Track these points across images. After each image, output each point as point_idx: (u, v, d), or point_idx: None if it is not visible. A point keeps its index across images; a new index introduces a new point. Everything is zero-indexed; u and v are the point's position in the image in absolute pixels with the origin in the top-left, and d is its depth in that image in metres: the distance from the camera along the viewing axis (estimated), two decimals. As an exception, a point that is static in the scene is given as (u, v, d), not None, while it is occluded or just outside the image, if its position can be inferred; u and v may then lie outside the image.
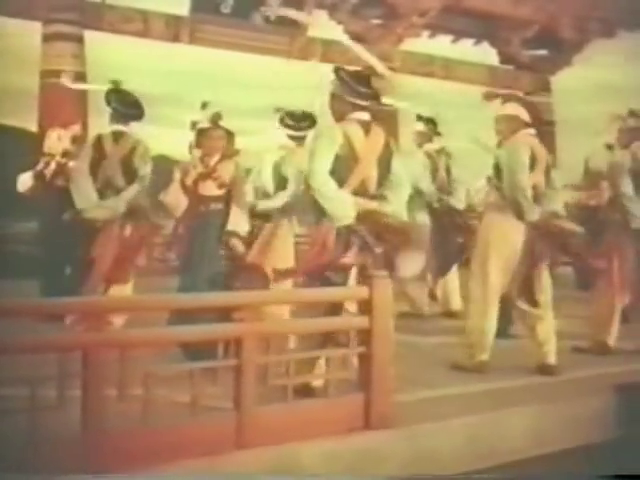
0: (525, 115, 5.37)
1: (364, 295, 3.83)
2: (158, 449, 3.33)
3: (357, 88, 4.37)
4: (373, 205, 4.29)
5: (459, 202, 7.48)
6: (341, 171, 4.28)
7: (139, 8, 10.17)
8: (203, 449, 3.45)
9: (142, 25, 10.13)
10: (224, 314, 3.59)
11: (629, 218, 5.89)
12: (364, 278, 3.88)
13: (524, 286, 5.22)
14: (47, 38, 9.35)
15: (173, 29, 10.36)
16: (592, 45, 14.05)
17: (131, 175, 5.97)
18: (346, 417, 3.85)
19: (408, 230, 4.31)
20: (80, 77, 9.42)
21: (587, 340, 6.07)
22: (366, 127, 4.40)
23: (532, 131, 5.38)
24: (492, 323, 5.24)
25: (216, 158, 5.55)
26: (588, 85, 16.17)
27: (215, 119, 5.55)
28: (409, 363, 4.97)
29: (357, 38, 11.97)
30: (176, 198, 5.58)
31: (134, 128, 6.18)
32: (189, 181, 5.49)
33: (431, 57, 12.94)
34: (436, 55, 13.08)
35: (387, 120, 11.14)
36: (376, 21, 11.96)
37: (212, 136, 5.57)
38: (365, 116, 4.42)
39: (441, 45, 14.05)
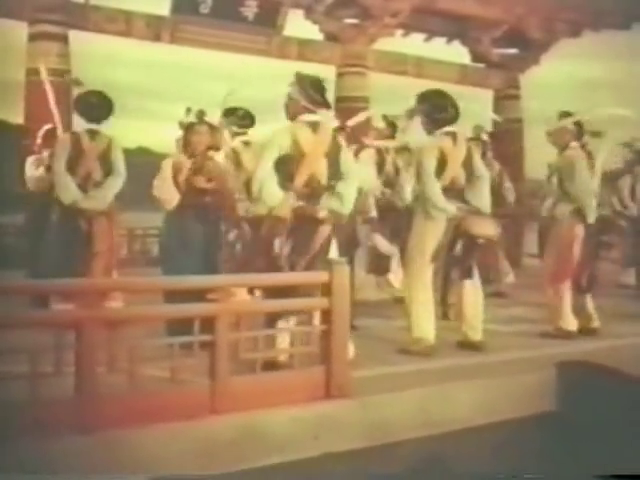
0: None
1: (325, 279, 4.33)
2: (142, 413, 3.82)
3: (312, 95, 4.88)
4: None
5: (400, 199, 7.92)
6: (289, 167, 4.82)
7: (122, 9, 10.52)
8: (181, 414, 3.94)
9: (125, 25, 10.49)
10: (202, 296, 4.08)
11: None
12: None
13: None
14: (33, 37, 9.70)
15: (154, 29, 10.73)
16: (559, 44, 14.55)
17: (108, 169, 6.45)
18: (309, 387, 4.35)
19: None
20: (64, 75, 9.81)
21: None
22: (314, 126, 4.92)
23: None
24: (428, 310, 5.73)
25: (204, 153, 5.93)
26: (555, 82, 16.71)
27: (199, 115, 5.94)
28: (370, 344, 5.51)
29: (332, 38, 12.53)
30: (169, 193, 5.87)
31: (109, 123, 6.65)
32: (181, 177, 5.83)
33: (404, 56, 13.36)
34: (409, 54, 13.50)
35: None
36: (350, 21, 12.37)
37: (198, 131, 5.92)
38: (315, 117, 4.92)
39: (414, 44, 14.50)
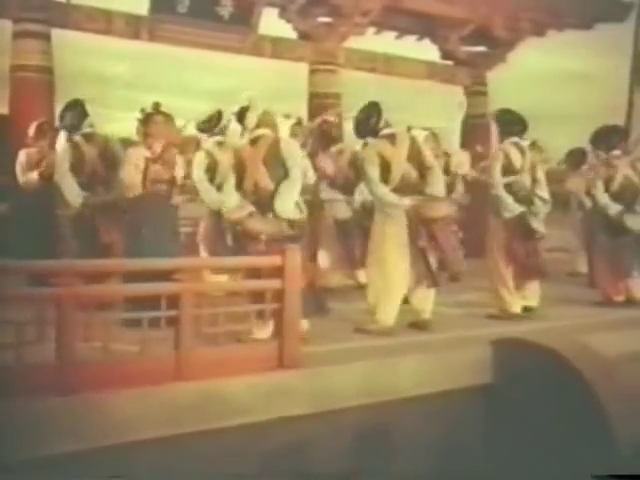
0: None
1: (278, 262, 4.90)
2: (115, 378, 4.37)
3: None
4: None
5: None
6: (238, 179, 5.57)
7: (102, 8, 10.98)
8: (150, 380, 4.49)
9: (105, 24, 10.94)
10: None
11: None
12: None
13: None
14: (17, 35, 10.15)
15: (133, 27, 11.19)
16: (524, 43, 15.13)
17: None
18: (264, 358, 4.92)
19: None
20: (47, 71, 10.32)
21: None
22: (253, 141, 5.63)
23: None
24: (392, 296, 6.31)
25: (161, 143, 6.33)
26: (520, 79, 17.32)
27: (155, 107, 6.34)
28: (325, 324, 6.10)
29: (304, 36, 13.06)
30: (132, 180, 6.32)
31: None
32: (142, 167, 6.26)
33: (374, 54, 13.88)
34: (378, 52, 14.03)
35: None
36: (322, 20, 12.89)
37: (155, 121, 6.32)
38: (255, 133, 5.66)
39: (386, 41, 15.03)
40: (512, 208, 6.97)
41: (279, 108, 9.10)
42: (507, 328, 6.58)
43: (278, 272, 4.89)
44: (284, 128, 6.92)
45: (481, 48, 15.18)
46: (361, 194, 8.05)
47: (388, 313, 6.26)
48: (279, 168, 5.57)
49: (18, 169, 8.23)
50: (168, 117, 6.55)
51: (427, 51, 15.41)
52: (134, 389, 4.42)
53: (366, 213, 7.57)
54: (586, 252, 9.33)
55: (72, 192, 6.85)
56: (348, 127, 7.30)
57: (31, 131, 8.33)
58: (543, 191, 7.10)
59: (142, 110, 6.40)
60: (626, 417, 5.44)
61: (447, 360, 5.75)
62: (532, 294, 7.23)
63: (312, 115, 12.78)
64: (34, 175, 7.90)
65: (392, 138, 6.38)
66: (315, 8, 12.73)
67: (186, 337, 4.58)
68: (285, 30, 12.91)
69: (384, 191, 6.26)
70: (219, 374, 4.68)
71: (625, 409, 5.49)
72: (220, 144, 7.29)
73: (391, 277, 6.23)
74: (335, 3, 12.61)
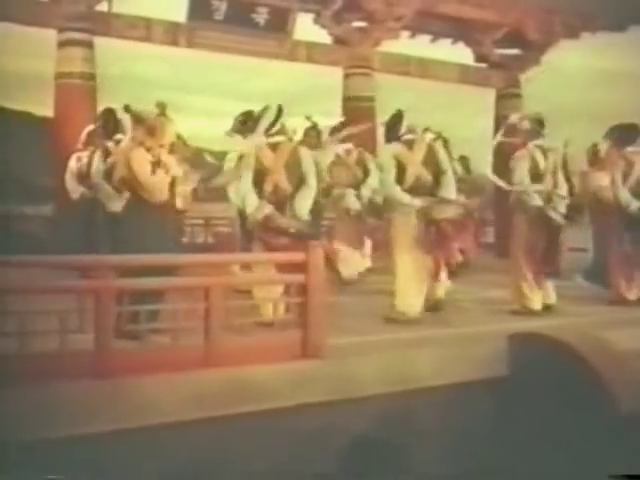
0: None
1: (302, 258, 5.21)
2: (149, 364, 4.72)
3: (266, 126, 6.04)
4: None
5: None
6: (258, 182, 5.96)
7: (142, 16, 11.44)
8: (182, 366, 4.83)
9: (145, 31, 11.40)
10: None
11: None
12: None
13: None
14: (61, 44, 10.63)
15: (172, 34, 11.63)
16: (557, 46, 15.26)
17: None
18: (288, 348, 5.23)
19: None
20: (90, 77, 10.79)
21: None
22: (273, 146, 6.03)
23: None
24: (414, 289, 6.72)
25: (164, 148, 6.22)
26: (555, 82, 17.43)
27: (161, 108, 6.16)
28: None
29: (339, 41, 13.38)
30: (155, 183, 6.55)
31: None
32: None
33: (407, 57, 14.14)
34: (412, 55, 14.28)
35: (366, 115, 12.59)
36: (356, 25, 13.21)
37: (159, 122, 6.13)
38: (273, 139, 6.07)
39: (421, 45, 15.29)
40: (535, 198, 7.29)
41: (315, 109, 9.52)
42: (524, 323, 6.82)
43: (302, 267, 5.21)
44: (299, 131, 7.27)
45: (514, 51, 15.33)
46: (368, 190, 8.87)
47: (410, 304, 6.69)
48: (297, 174, 6.05)
49: (67, 174, 8.66)
50: (169, 119, 6.40)
51: (461, 54, 15.65)
52: (165, 375, 4.76)
53: (372, 207, 8.30)
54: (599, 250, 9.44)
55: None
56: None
57: (82, 137, 8.72)
58: (562, 189, 7.38)
59: (159, 105, 6.19)
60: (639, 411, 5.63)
61: (465, 353, 6.00)
62: (550, 292, 7.46)
63: (346, 117, 13.12)
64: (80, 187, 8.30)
65: (410, 143, 6.85)
66: (349, 14, 13.08)
67: (215, 327, 4.90)
68: (320, 35, 13.28)
69: (397, 190, 6.73)
70: (246, 362, 5.00)
71: (638, 403, 5.68)
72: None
73: (407, 270, 6.68)
74: (369, 9, 12.93)
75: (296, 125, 8.32)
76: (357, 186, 9.15)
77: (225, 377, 4.96)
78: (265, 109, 6.26)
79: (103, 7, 11.07)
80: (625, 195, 7.94)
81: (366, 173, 9.18)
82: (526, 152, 7.37)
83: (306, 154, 6.27)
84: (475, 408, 5.90)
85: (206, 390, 4.89)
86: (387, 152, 6.95)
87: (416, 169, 6.75)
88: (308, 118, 8.50)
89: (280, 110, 6.28)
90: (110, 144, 7.61)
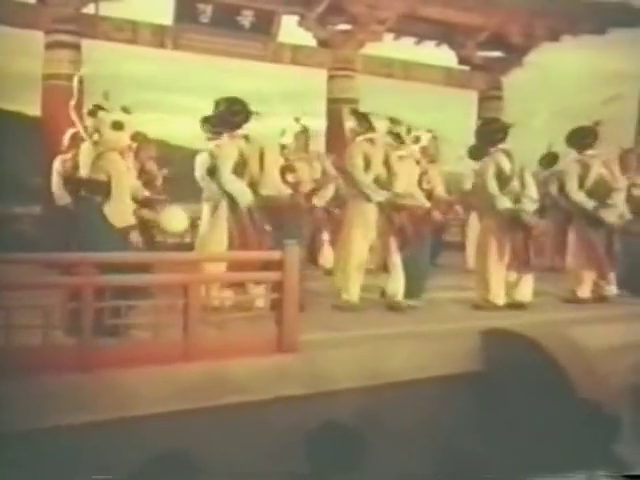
0: None
1: (278, 257, 5.42)
2: (132, 358, 4.91)
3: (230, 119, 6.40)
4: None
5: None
6: (238, 172, 6.25)
7: (129, 19, 11.63)
8: (162, 360, 5.03)
9: (131, 33, 11.61)
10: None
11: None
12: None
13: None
14: (48, 46, 10.83)
15: (159, 37, 11.84)
16: (539, 48, 15.51)
17: None
18: (264, 343, 5.43)
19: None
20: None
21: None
22: (247, 139, 6.50)
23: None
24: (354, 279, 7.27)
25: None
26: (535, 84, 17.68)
27: (125, 110, 6.27)
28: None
29: (323, 43, 13.59)
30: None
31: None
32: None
33: (390, 60, 14.38)
34: (395, 58, 14.50)
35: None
36: (340, 28, 13.41)
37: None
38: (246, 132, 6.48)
39: (405, 47, 15.51)
40: (503, 200, 7.59)
41: (299, 110, 9.68)
42: (497, 321, 7.03)
43: (279, 265, 5.41)
44: (289, 134, 7.52)
45: (497, 53, 15.55)
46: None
47: (352, 292, 7.25)
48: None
49: (54, 178, 8.77)
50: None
51: (445, 56, 15.88)
52: (146, 368, 4.95)
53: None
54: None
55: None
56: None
57: (65, 139, 8.84)
58: (532, 192, 7.60)
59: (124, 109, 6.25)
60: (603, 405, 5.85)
61: (436, 347, 6.22)
62: (525, 290, 7.69)
63: (330, 119, 13.36)
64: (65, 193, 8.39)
65: (372, 141, 7.37)
66: (333, 16, 13.29)
67: (193, 322, 5.10)
68: (304, 38, 13.48)
69: (368, 181, 7.24)
70: (223, 356, 5.20)
71: (602, 398, 5.90)
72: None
73: (352, 259, 7.24)
74: (352, 12, 13.14)
75: (286, 127, 8.56)
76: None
77: (203, 371, 5.16)
78: (234, 103, 6.61)
79: (90, 10, 11.26)
80: (579, 197, 8.18)
81: None
82: (490, 156, 7.68)
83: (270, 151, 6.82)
84: (448, 402, 6.11)
85: (185, 383, 5.09)
86: (356, 147, 7.37)
87: (378, 165, 7.25)
88: (297, 120, 8.66)
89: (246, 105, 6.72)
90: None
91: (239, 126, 6.67)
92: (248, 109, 6.70)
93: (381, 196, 7.22)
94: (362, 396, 5.75)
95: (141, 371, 4.95)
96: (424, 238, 7.45)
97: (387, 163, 7.36)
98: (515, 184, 7.64)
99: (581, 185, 8.15)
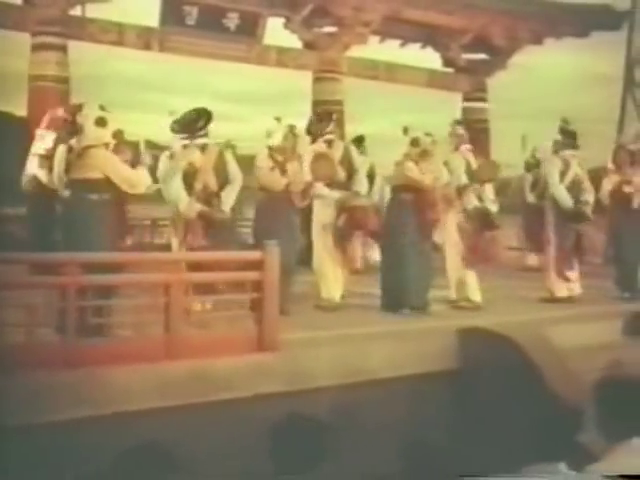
0: None
1: (258, 257, 5.55)
2: (114, 355, 5.04)
3: (191, 129, 6.47)
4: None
5: None
6: (189, 180, 6.46)
7: (115, 21, 11.71)
8: (146, 358, 5.16)
9: (117, 36, 11.67)
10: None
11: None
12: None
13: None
14: (35, 48, 10.88)
15: (145, 39, 11.92)
16: (523, 51, 15.69)
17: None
18: (245, 342, 5.56)
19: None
20: (63, 81, 11.05)
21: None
22: (202, 148, 6.55)
23: None
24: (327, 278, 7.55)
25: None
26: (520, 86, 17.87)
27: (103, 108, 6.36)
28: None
29: (308, 46, 13.72)
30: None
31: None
32: None
33: (375, 62, 14.50)
34: (380, 60, 14.64)
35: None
36: (325, 30, 13.54)
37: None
38: (202, 141, 6.57)
39: (391, 49, 15.65)
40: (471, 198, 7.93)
41: (285, 111, 9.79)
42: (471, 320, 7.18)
43: (258, 265, 5.54)
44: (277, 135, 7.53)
45: (481, 55, 15.70)
46: None
47: (330, 291, 7.45)
48: (223, 174, 6.65)
49: (31, 155, 8.74)
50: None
51: (430, 59, 16.03)
52: (130, 366, 5.08)
53: None
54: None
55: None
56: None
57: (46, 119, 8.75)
58: (491, 194, 8.04)
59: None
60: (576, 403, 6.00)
61: (415, 346, 6.36)
62: (473, 288, 7.98)
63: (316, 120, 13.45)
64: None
65: (330, 143, 7.76)
66: (318, 19, 13.40)
67: (175, 321, 5.23)
68: (290, 40, 13.60)
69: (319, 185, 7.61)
70: (205, 355, 5.33)
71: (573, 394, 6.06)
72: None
73: (322, 259, 7.55)
74: (337, 14, 13.26)
75: (272, 128, 8.64)
76: None
77: (186, 369, 5.29)
78: (194, 112, 6.72)
79: (77, 11, 11.34)
80: (560, 191, 8.38)
81: None
82: (459, 155, 7.98)
83: (230, 157, 6.88)
84: (426, 399, 6.25)
85: (169, 381, 5.22)
86: (310, 150, 7.78)
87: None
88: (278, 120, 8.69)
89: (209, 114, 6.77)
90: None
91: (196, 136, 6.76)
92: (206, 119, 6.80)
93: (334, 196, 7.55)
94: (341, 393, 5.89)
95: (126, 369, 5.07)
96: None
97: (347, 163, 7.65)
98: (476, 186, 7.93)
99: (561, 181, 8.37)
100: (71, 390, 4.88)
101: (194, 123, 6.64)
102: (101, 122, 6.03)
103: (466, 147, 8.17)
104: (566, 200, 8.36)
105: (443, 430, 6.35)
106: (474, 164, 8.05)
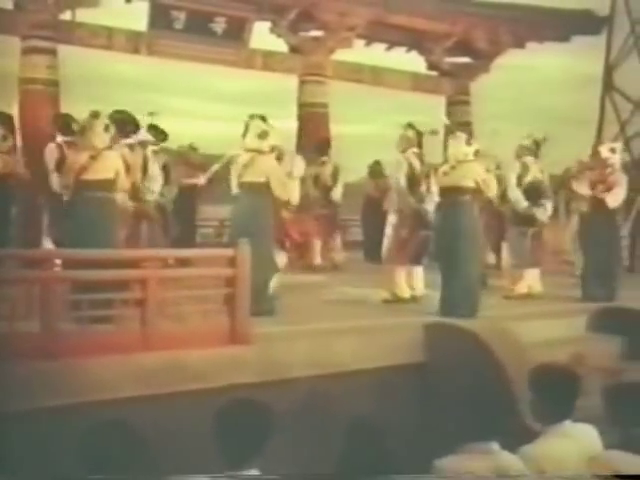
0: None
1: (231, 254, 5.86)
2: (90, 347, 5.34)
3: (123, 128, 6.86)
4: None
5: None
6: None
7: (104, 25, 12.03)
8: (121, 349, 5.46)
9: (107, 40, 12.00)
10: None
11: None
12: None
13: None
14: (25, 51, 11.20)
15: (133, 43, 12.25)
16: (505, 54, 16.02)
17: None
18: (218, 334, 5.87)
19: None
20: (53, 84, 11.36)
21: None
22: (131, 148, 7.07)
23: None
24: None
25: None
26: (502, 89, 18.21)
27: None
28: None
29: (294, 49, 14.04)
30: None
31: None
32: None
33: (360, 66, 14.84)
34: (365, 64, 14.97)
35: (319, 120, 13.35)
36: (311, 34, 13.86)
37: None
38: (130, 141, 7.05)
39: (377, 53, 15.96)
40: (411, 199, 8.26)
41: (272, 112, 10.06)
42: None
43: (231, 262, 5.86)
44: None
45: (465, 59, 16.01)
46: None
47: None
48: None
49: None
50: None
51: (415, 62, 16.34)
52: (107, 357, 5.38)
53: None
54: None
55: None
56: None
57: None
58: (434, 195, 8.17)
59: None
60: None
61: (383, 339, 6.67)
62: (419, 283, 8.35)
63: (302, 122, 13.83)
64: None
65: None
66: (304, 23, 13.75)
67: (151, 315, 5.54)
68: (276, 44, 13.93)
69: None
70: (179, 347, 5.63)
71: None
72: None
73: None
74: (322, 19, 13.59)
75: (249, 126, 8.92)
76: None
77: (162, 360, 5.58)
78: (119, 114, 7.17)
79: (67, 16, 11.64)
80: (515, 194, 8.79)
81: None
82: (403, 158, 8.34)
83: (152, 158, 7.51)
84: (392, 391, 6.55)
85: (145, 371, 5.51)
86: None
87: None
88: (252, 117, 8.89)
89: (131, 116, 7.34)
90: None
91: (127, 136, 7.27)
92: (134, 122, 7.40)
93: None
94: (311, 384, 6.19)
95: (104, 359, 5.37)
96: None
97: None
98: (423, 186, 8.27)
99: (519, 184, 8.71)
100: (51, 379, 5.16)
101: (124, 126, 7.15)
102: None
103: (413, 150, 8.39)
104: (520, 202, 8.73)
105: (399, 416, 6.65)
106: (418, 168, 8.31)
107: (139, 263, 5.52)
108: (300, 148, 12.21)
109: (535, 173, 8.83)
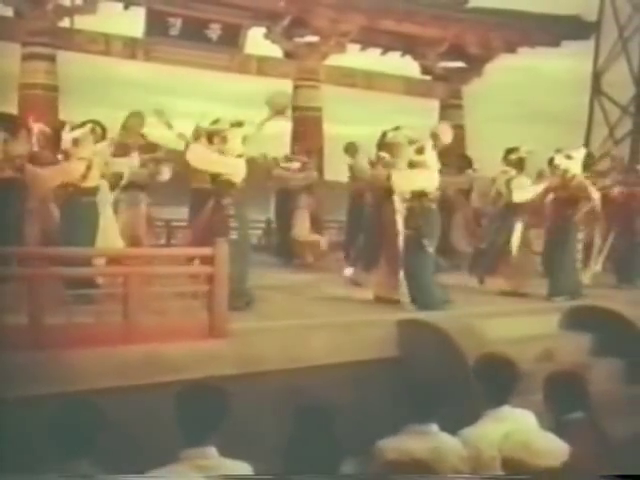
0: None
1: (209, 252, 6.20)
2: (76, 340, 5.69)
3: None
4: None
5: None
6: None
7: (102, 31, 12.42)
8: (103, 341, 5.81)
9: (104, 46, 12.39)
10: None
11: None
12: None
13: None
14: (25, 58, 11.60)
15: (130, 49, 12.63)
16: (497, 59, 16.33)
17: None
18: (197, 329, 6.21)
19: None
20: (52, 89, 11.74)
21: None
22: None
23: None
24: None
25: None
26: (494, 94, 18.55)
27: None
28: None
29: (288, 55, 14.39)
30: None
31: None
32: None
33: (353, 70, 15.17)
34: (358, 69, 15.31)
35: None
36: (305, 39, 14.21)
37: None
38: None
39: (371, 57, 16.29)
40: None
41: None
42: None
43: (210, 260, 6.21)
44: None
45: (458, 64, 16.33)
46: None
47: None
48: None
49: None
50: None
51: (409, 67, 16.67)
52: (91, 349, 5.73)
53: None
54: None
55: None
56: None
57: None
58: None
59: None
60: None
61: (356, 334, 7.00)
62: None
63: (295, 125, 14.16)
64: None
65: None
66: (298, 29, 14.10)
67: (133, 310, 5.89)
68: (270, 49, 14.28)
69: None
70: (160, 340, 5.98)
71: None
72: None
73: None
74: (316, 25, 13.94)
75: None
76: None
77: (142, 352, 5.93)
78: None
79: (65, 23, 12.02)
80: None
81: None
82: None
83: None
84: (365, 384, 6.88)
85: (126, 363, 5.86)
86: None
87: None
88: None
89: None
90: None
91: None
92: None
93: None
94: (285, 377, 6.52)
95: (87, 351, 5.72)
96: None
97: None
98: None
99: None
100: (36, 369, 5.52)
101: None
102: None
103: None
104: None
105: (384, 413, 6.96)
106: None
107: (122, 260, 5.88)
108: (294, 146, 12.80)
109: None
